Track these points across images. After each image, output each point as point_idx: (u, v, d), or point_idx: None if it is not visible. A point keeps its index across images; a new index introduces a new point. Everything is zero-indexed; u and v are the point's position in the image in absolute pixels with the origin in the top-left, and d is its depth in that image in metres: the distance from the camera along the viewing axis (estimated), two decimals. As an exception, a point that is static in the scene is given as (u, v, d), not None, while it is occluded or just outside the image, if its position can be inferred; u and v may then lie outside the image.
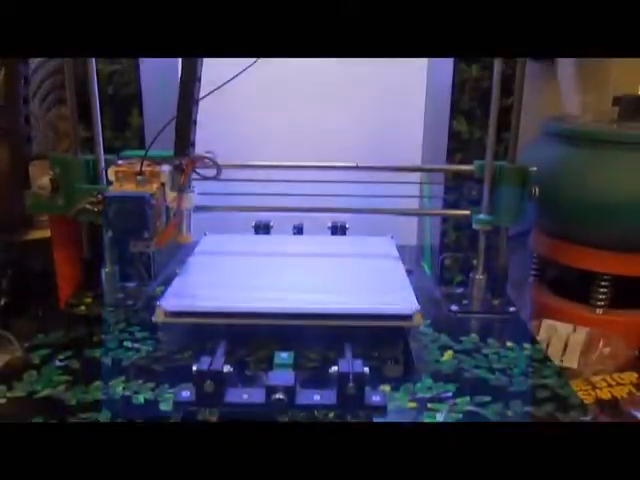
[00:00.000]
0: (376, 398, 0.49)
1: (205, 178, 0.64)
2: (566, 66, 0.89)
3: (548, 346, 0.79)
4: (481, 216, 0.68)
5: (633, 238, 0.79)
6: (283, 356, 0.53)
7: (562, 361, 0.78)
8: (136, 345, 0.59)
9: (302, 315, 0.57)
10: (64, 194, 0.65)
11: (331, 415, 0.48)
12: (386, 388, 0.52)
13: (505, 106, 0.67)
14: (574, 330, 0.79)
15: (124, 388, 0.52)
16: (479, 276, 0.70)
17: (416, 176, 0.83)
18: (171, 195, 0.62)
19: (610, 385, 0.74)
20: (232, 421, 0.48)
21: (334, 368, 0.49)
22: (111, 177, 0.60)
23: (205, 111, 0.62)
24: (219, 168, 0.63)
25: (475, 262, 0.71)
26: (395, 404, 0.50)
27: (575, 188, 0.79)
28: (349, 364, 0.49)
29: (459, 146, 0.71)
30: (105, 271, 0.70)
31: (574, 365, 0.77)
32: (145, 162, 0.60)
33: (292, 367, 0.52)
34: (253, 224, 0.83)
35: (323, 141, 1.02)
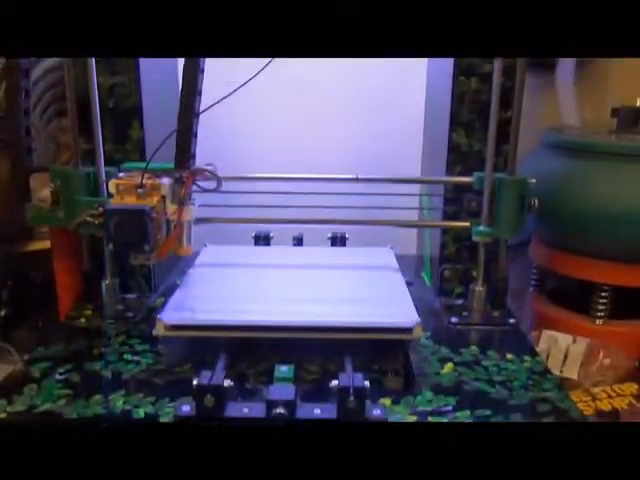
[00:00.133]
0: (377, 412, 0.49)
1: (205, 190, 0.65)
2: (564, 77, 0.90)
3: (548, 357, 0.79)
4: (481, 228, 0.68)
5: (632, 249, 0.79)
6: (283, 369, 0.53)
7: (562, 372, 0.78)
8: (136, 358, 0.59)
9: (302, 328, 0.57)
10: (65, 206, 0.65)
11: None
12: (386, 401, 0.52)
13: (504, 118, 0.67)
14: (574, 341, 0.79)
15: (124, 402, 0.52)
16: (479, 288, 0.70)
17: (416, 188, 0.83)
18: (172, 207, 0.62)
19: (610, 396, 0.74)
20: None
21: (334, 382, 0.49)
22: (112, 190, 0.60)
23: (205, 124, 0.62)
24: (219, 180, 0.64)
25: (475, 274, 0.71)
26: (396, 417, 0.50)
27: (574, 199, 0.79)
28: (349, 378, 0.49)
29: (459, 158, 0.71)
30: (105, 283, 0.70)
31: (574, 376, 0.77)
32: (146, 174, 0.60)
33: (292, 380, 0.52)
34: (253, 235, 0.83)
35: (322, 153, 1.02)
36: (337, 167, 0.99)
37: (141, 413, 0.50)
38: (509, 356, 0.61)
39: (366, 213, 0.73)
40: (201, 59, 0.61)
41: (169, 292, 0.73)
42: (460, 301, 0.74)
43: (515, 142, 0.66)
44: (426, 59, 0.83)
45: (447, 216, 0.73)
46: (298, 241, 0.83)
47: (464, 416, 0.51)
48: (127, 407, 0.51)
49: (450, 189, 0.73)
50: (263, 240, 0.82)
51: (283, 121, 1.02)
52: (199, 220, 0.67)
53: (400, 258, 0.78)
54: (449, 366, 0.59)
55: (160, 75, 0.76)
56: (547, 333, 0.80)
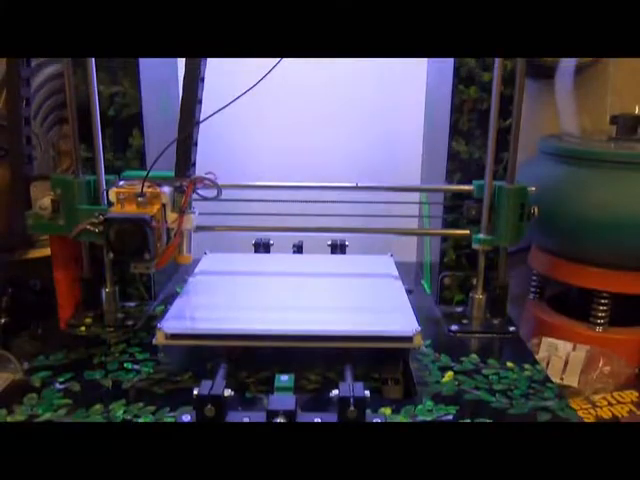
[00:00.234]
0: (377, 421, 0.49)
1: (205, 199, 0.65)
2: (563, 85, 0.90)
3: (548, 364, 0.79)
4: (480, 236, 0.68)
5: (632, 256, 0.79)
6: (283, 379, 0.53)
7: (562, 380, 0.78)
8: (136, 367, 0.59)
9: (302, 337, 0.57)
10: (65, 215, 0.65)
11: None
12: (387, 411, 0.52)
13: (504, 127, 0.68)
14: (574, 348, 0.79)
15: (125, 412, 0.52)
16: (479, 295, 0.70)
17: (415, 195, 0.83)
18: (172, 216, 0.62)
19: (610, 404, 0.74)
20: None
21: (335, 392, 0.49)
22: (112, 198, 0.60)
23: (203, 131, 0.62)
24: (219, 189, 0.64)
25: (475, 281, 0.71)
26: (396, 427, 0.50)
27: (573, 206, 0.80)
28: (350, 388, 0.49)
29: (458, 166, 0.71)
30: (105, 291, 0.70)
31: (574, 384, 0.77)
32: (146, 183, 0.60)
33: (293, 390, 0.52)
34: (253, 242, 0.83)
35: (322, 160, 1.02)
36: (337, 171, 1.01)
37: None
38: (509, 364, 0.61)
39: (366, 220, 0.73)
40: (201, 68, 0.61)
41: (169, 300, 0.73)
42: (460, 309, 0.74)
43: (515, 151, 0.66)
44: (425, 67, 0.84)
45: (447, 224, 0.73)
46: (298, 248, 0.83)
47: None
48: (127, 416, 0.51)
49: (450, 197, 0.73)
50: (263, 247, 0.83)
51: (282, 125, 1.02)
52: (199, 228, 0.67)
53: (400, 265, 0.78)
54: (449, 375, 0.59)
55: (160, 84, 0.77)
56: (547, 340, 0.80)
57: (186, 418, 0.48)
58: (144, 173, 0.61)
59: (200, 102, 0.62)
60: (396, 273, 0.74)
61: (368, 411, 0.48)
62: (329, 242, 0.83)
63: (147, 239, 0.57)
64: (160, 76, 0.76)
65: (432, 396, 0.55)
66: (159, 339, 0.56)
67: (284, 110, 1.01)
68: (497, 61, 0.64)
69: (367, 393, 0.48)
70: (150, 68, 0.71)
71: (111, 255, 0.58)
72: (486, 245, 0.68)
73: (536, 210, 0.67)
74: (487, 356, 0.63)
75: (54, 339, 0.67)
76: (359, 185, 0.71)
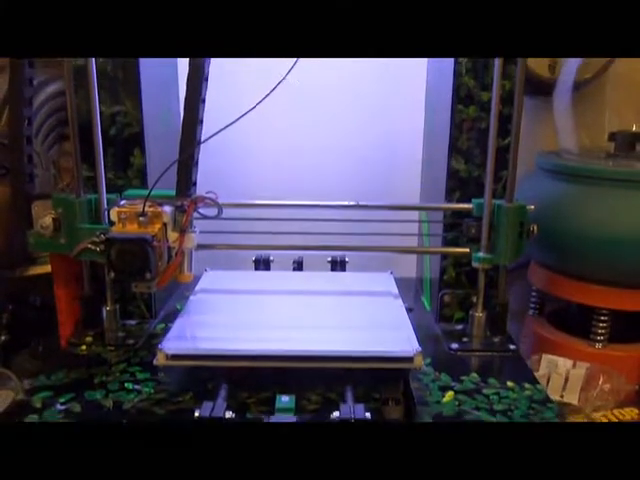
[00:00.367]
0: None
1: (206, 218, 0.65)
2: (561, 101, 0.90)
3: (548, 381, 0.79)
4: (480, 254, 0.68)
5: (631, 273, 0.79)
6: (284, 400, 0.53)
7: (562, 397, 0.78)
8: (137, 387, 0.59)
9: (303, 357, 0.57)
10: (66, 234, 0.65)
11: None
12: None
13: (503, 145, 0.68)
14: (574, 366, 0.79)
15: (125, 433, 0.52)
16: (479, 313, 0.71)
17: (415, 213, 0.83)
18: (173, 235, 0.62)
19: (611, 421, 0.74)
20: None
21: (335, 413, 0.49)
22: (113, 218, 0.60)
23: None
24: (220, 208, 0.64)
25: (475, 299, 0.71)
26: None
27: (572, 223, 0.80)
28: (351, 409, 0.49)
29: (457, 184, 0.72)
30: (106, 309, 0.70)
31: (574, 401, 0.77)
32: (147, 202, 0.60)
33: (294, 411, 0.52)
34: (253, 258, 0.83)
35: (320, 173, 1.03)
36: (335, 183, 1.01)
37: (142, 445, 0.50)
38: (510, 384, 0.61)
39: (366, 238, 0.73)
40: (202, 88, 0.62)
41: (169, 318, 0.73)
42: (460, 326, 0.74)
43: (514, 169, 0.66)
44: (424, 84, 0.84)
45: (447, 242, 0.73)
46: (298, 265, 0.83)
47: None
48: (128, 438, 0.51)
49: (449, 215, 0.73)
50: (263, 264, 0.83)
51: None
52: (200, 246, 0.67)
53: (400, 281, 0.79)
54: (450, 394, 0.59)
55: (161, 102, 0.77)
56: (547, 357, 0.80)
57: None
58: (145, 192, 0.61)
59: (201, 122, 0.62)
60: (396, 291, 0.74)
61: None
62: (329, 258, 0.83)
63: (148, 259, 0.58)
64: (161, 94, 0.77)
65: (433, 416, 0.55)
66: (160, 360, 0.56)
67: (283, 122, 1.01)
68: (495, 81, 0.64)
69: (368, 415, 0.48)
70: (151, 86, 0.71)
71: (112, 274, 0.59)
72: (486, 263, 0.68)
73: (535, 228, 0.67)
74: (487, 375, 0.63)
75: (55, 358, 0.67)
76: (359, 204, 0.71)
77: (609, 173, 0.79)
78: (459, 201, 0.72)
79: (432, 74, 0.83)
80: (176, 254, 0.63)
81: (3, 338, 0.84)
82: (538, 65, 0.94)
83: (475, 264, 0.69)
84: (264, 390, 0.58)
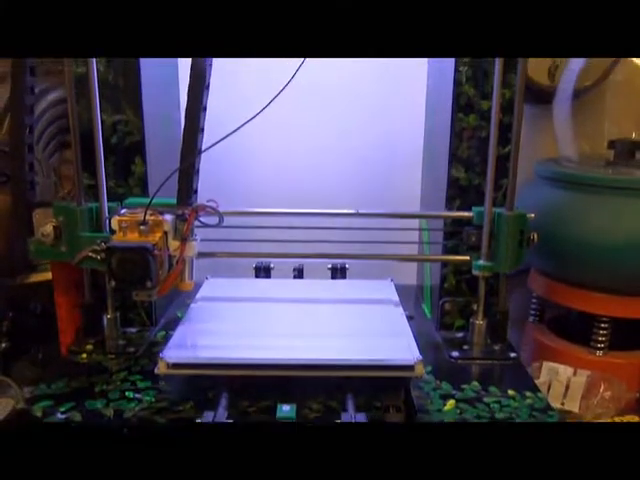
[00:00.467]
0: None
1: (207, 226, 0.65)
2: (561, 109, 0.91)
3: (549, 389, 0.79)
4: (480, 262, 0.68)
5: (631, 281, 0.79)
6: (285, 409, 0.53)
7: (563, 404, 0.78)
8: (138, 396, 0.59)
9: (304, 366, 0.57)
10: (67, 242, 0.65)
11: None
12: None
13: (503, 154, 0.68)
14: (574, 373, 0.79)
15: (126, 442, 0.52)
16: (479, 321, 0.71)
17: (415, 221, 0.83)
18: (174, 243, 0.63)
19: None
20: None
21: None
22: (114, 226, 0.61)
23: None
24: (221, 217, 0.64)
25: (475, 307, 0.71)
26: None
27: (572, 231, 0.80)
28: (352, 418, 0.49)
29: (458, 193, 0.72)
30: (107, 317, 0.70)
31: (575, 409, 0.77)
32: (148, 210, 0.60)
33: (294, 420, 0.52)
34: (254, 265, 0.84)
35: (322, 179, 1.03)
36: (337, 196, 1.02)
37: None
38: (510, 392, 0.61)
39: (366, 245, 0.73)
40: (204, 97, 0.62)
41: (170, 325, 0.74)
42: (461, 334, 0.74)
43: (514, 178, 0.66)
44: (424, 94, 0.85)
45: (447, 250, 0.74)
46: (299, 272, 0.83)
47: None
48: (129, 448, 0.51)
49: (450, 223, 0.73)
50: (264, 271, 0.83)
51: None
52: (201, 254, 0.67)
53: (400, 288, 0.79)
54: (451, 403, 0.59)
55: (162, 110, 0.77)
56: (548, 365, 0.80)
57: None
58: (146, 200, 0.61)
59: (202, 131, 0.63)
60: (397, 299, 0.74)
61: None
62: (329, 265, 0.84)
63: (149, 267, 0.58)
64: (162, 102, 0.77)
65: (434, 425, 0.55)
66: (161, 368, 0.56)
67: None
68: (495, 90, 0.64)
69: (369, 424, 0.48)
70: (152, 95, 0.72)
71: (113, 283, 0.59)
72: (486, 271, 0.68)
73: (535, 236, 0.68)
74: (488, 383, 0.63)
75: (55, 366, 0.67)
76: (360, 212, 0.71)
77: (609, 181, 0.79)
78: (459, 209, 0.72)
79: (432, 82, 0.83)
80: (177, 262, 0.63)
81: (3, 345, 0.84)
82: (538, 73, 0.95)
83: (475, 272, 0.69)
84: (265, 399, 0.58)
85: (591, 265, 0.80)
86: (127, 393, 0.60)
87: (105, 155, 0.66)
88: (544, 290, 0.89)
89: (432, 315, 0.80)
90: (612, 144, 0.86)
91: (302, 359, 0.57)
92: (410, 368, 0.57)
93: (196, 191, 0.64)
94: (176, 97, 0.81)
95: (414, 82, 0.88)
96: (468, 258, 0.70)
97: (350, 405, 0.54)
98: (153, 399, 0.59)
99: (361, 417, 0.49)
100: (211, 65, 0.61)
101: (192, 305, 0.71)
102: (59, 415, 0.56)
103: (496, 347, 0.70)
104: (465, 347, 0.70)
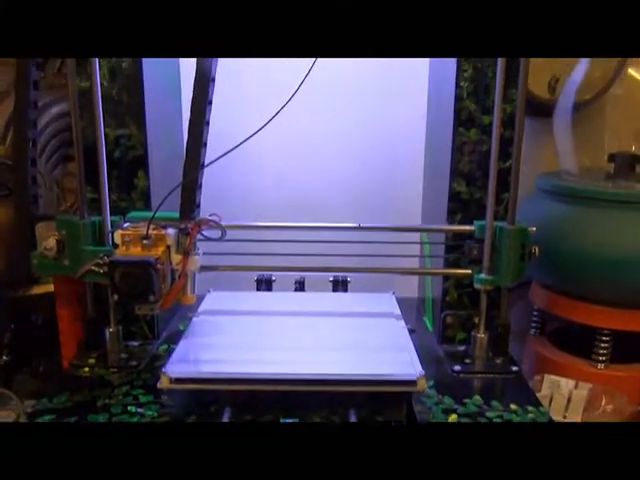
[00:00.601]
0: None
1: (210, 239, 0.65)
2: (562, 122, 0.91)
3: (551, 402, 0.79)
4: (482, 276, 0.68)
5: (632, 294, 0.80)
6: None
7: (565, 417, 0.78)
8: (140, 410, 0.59)
9: (306, 381, 0.57)
10: (70, 255, 0.65)
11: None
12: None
13: (504, 168, 0.69)
14: (576, 386, 0.79)
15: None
16: (481, 335, 0.71)
17: (417, 235, 0.84)
18: (176, 257, 0.63)
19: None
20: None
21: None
22: (117, 240, 0.61)
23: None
24: (223, 231, 0.64)
25: (477, 320, 0.71)
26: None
27: (572, 245, 0.80)
28: (354, 434, 0.49)
29: (459, 206, 0.72)
30: (109, 331, 0.70)
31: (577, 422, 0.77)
32: (151, 225, 0.61)
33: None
34: (255, 278, 0.84)
35: (322, 193, 1.03)
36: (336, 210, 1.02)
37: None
38: (513, 407, 0.61)
39: (368, 258, 0.73)
40: (207, 111, 0.62)
41: (172, 339, 0.74)
42: (462, 347, 0.74)
43: (515, 192, 0.67)
44: (425, 109, 0.85)
45: (448, 263, 0.74)
46: (300, 285, 0.84)
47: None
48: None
49: (451, 237, 0.73)
50: (265, 284, 0.83)
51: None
52: (203, 268, 0.67)
53: (402, 301, 0.79)
54: (453, 417, 0.59)
55: (165, 123, 0.78)
56: (550, 378, 0.80)
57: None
58: (149, 214, 0.61)
59: (205, 145, 0.63)
60: (399, 312, 0.74)
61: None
62: (331, 278, 0.84)
63: (152, 282, 0.58)
64: (165, 116, 0.78)
65: (436, 440, 0.55)
66: (164, 383, 0.57)
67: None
68: (496, 105, 0.65)
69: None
70: (155, 110, 0.72)
71: (116, 297, 0.59)
72: (488, 285, 0.68)
73: (537, 250, 0.68)
74: (490, 398, 0.63)
75: (58, 380, 0.67)
76: (361, 225, 0.71)
77: (609, 195, 0.80)
78: (461, 223, 0.72)
79: (433, 96, 0.83)
80: (179, 276, 0.63)
81: (5, 358, 0.84)
82: (538, 86, 0.96)
83: (477, 285, 0.69)
84: (267, 413, 0.58)
85: (592, 278, 0.80)
86: (129, 407, 0.60)
87: (108, 169, 0.66)
88: (545, 303, 0.89)
89: (434, 328, 0.80)
90: (612, 157, 0.87)
91: (304, 374, 0.57)
92: (412, 383, 0.57)
93: (199, 205, 0.65)
94: (179, 112, 0.81)
95: (416, 91, 0.88)
96: (470, 272, 0.70)
97: (352, 420, 0.54)
98: (155, 413, 0.59)
99: (364, 432, 0.49)
100: (217, 59, 0.61)
101: (194, 319, 0.71)
102: (61, 430, 0.56)
103: (498, 360, 0.70)
104: (467, 361, 0.70)
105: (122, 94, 0.69)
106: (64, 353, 0.74)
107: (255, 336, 0.67)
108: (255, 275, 0.84)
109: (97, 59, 0.63)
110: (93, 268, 0.64)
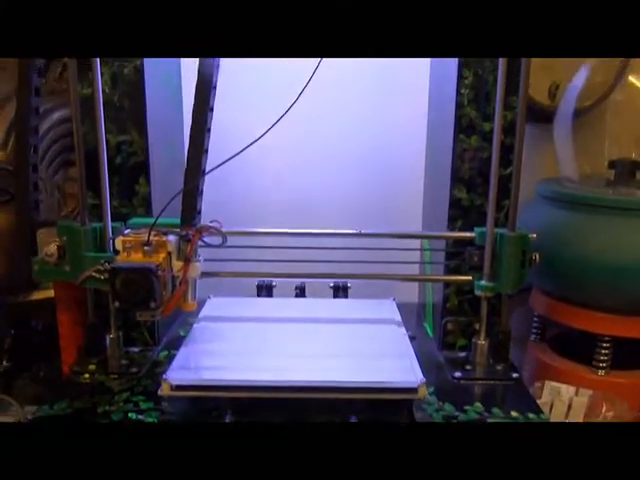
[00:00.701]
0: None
1: (210, 246, 0.65)
2: (562, 129, 0.91)
3: (551, 408, 0.79)
4: (483, 282, 0.68)
5: (632, 301, 0.80)
6: (289, 431, 0.53)
7: (566, 424, 0.78)
8: (141, 417, 0.59)
9: (307, 388, 0.57)
10: (71, 261, 0.65)
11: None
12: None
13: (504, 175, 0.69)
14: (576, 393, 0.79)
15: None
16: (481, 341, 0.71)
17: (417, 241, 0.84)
18: (177, 264, 0.63)
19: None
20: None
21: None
22: (118, 247, 0.61)
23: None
24: (224, 237, 0.65)
25: (477, 326, 0.71)
26: None
27: (572, 251, 0.80)
28: (355, 441, 0.49)
29: (460, 213, 0.72)
30: (110, 337, 0.70)
31: (578, 429, 0.76)
32: (152, 231, 0.61)
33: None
34: (256, 284, 0.84)
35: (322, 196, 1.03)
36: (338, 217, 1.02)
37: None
38: (513, 414, 0.61)
39: (369, 264, 0.73)
40: (208, 118, 0.62)
41: (173, 345, 0.73)
42: (463, 354, 0.74)
43: (516, 198, 0.67)
44: (425, 117, 0.85)
45: (449, 270, 0.74)
46: (300, 290, 0.83)
47: None
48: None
49: (452, 243, 0.74)
50: (266, 290, 0.83)
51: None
52: (204, 274, 0.67)
53: (402, 306, 0.79)
54: (454, 425, 0.59)
55: (166, 130, 0.78)
56: (550, 384, 0.80)
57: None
58: (150, 220, 0.62)
59: (206, 152, 0.63)
60: (399, 319, 0.74)
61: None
62: (331, 284, 0.84)
63: (153, 288, 0.58)
64: (166, 123, 0.78)
65: (437, 448, 0.55)
66: (165, 390, 0.56)
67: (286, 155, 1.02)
68: (497, 112, 0.65)
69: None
70: (157, 116, 0.72)
71: (117, 304, 0.59)
72: (488, 292, 0.68)
73: (537, 257, 0.68)
74: (491, 404, 0.63)
75: (58, 386, 0.67)
76: (362, 232, 0.71)
77: (609, 201, 0.80)
78: (461, 229, 0.72)
79: (434, 103, 0.84)
80: (180, 283, 0.63)
81: (5, 363, 0.84)
82: (538, 93, 0.96)
83: (478, 292, 0.69)
84: (268, 419, 0.58)
85: (592, 284, 0.80)
86: (130, 414, 0.60)
87: (109, 175, 0.66)
88: (546, 309, 0.89)
89: (434, 334, 0.80)
90: (612, 164, 0.87)
91: (305, 381, 0.57)
92: (413, 390, 0.57)
93: (200, 212, 0.65)
94: (180, 118, 0.82)
95: (417, 90, 0.88)
96: (470, 278, 0.70)
97: (353, 427, 0.54)
98: (156, 420, 0.59)
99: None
100: (218, 66, 0.61)
101: (195, 325, 0.71)
102: (62, 437, 0.55)
103: (498, 367, 0.70)
104: (467, 367, 0.70)
105: (124, 100, 0.69)
106: (64, 359, 0.74)
107: (256, 343, 0.67)
108: (256, 281, 0.84)
109: (99, 65, 0.63)
110: (94, 274, 0.64)
